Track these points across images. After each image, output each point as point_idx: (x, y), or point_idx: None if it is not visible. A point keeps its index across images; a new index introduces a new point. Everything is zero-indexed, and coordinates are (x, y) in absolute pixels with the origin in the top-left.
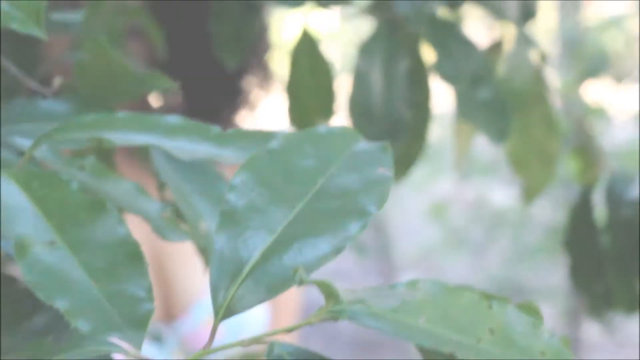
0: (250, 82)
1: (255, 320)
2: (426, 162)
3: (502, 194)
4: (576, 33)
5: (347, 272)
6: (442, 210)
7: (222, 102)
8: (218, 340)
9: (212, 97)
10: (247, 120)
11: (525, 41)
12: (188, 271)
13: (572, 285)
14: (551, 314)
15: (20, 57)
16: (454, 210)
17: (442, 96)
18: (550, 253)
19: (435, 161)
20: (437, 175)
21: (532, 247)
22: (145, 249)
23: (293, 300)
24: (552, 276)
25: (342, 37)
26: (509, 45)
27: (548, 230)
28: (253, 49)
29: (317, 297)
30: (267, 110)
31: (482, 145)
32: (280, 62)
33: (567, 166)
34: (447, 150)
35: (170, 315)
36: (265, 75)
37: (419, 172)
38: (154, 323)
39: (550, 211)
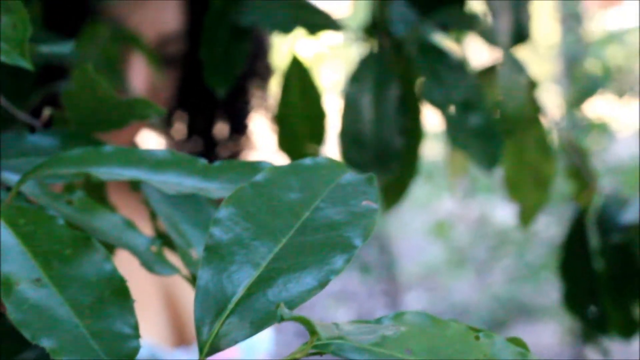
0: (246, 107)
1: (263, 342)
2: (428, 180)
3: (506, 211)
4: (578, 48)
5: (352, 292)
6: (445, 228)
7: (223, 127)
8: (234, 358)
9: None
10: (247, 144)
11: (516, 64)
12: None
13: (566, 309)
14: (556, 331)
15: (10, 89)
16: (458, 229)
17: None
18: (555, 271)
19: (437, 179)
20: (440, 194)
21: (536, 265)
22: (154, 278)
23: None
24: (556, 294)
25: (345, 57)
26: (501, 68)
27: (552, 248)
28: (249, 74)
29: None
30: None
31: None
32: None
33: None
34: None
35: (189, 339)
36: (262, 99)
37: (421, 191)
38: (163, 349)
39: (554, 228)
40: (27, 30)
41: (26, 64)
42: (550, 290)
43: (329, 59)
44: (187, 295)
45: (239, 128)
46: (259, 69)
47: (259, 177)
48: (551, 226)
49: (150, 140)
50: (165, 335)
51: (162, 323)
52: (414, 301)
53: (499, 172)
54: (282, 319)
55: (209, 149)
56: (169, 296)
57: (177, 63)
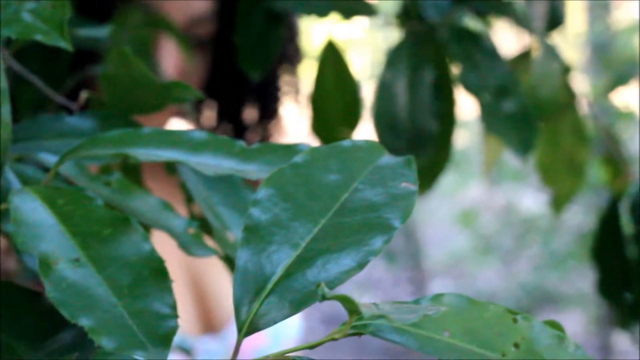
0: (277, 92)
1: (290, 327)
2: (455, 168)
3: (532, 200)
4: (605, 36)
5: (377, 280)
6: (471, 217)
7: (252, 112)
8: (262, 346)
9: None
10: (276, 130)
11: (551, 50)
12: (227, 282)
13: (599, 295)
14: (582, 320)
15: (47, 72)
16: (484, 217)
17: (470, 102)
18: (581, 259)
19: (464, 168)
20: (467, 182)
21: (562, 253)
22: (183, 263)
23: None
24: (582, 282)
25: (372, 42)
26: (536, 54)
27: (578, 236)
28: (280, 59)
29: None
30: (295, 120)
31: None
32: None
33: (598, 171)
34: (477, 156)
35: (217, 326)
36: (292, 84)
37: (448, 179)
38: (190, 337)
39: (580, 217)
40: (67, 11)
41: (66, 45)
42: (576, 278)
43: (357, 44)
44: (213, 281)
45: (268, 113)
46: (289, 53)
47: (298, 158)
48: (577, 214)
49: (179, 127)
50: (192, 322)
51: (188, 309)
52: (440, 289)
53: (527, 160)
54: (323, 298)
55: (238, 135)
56: (195, 282)
57: (207, 46)
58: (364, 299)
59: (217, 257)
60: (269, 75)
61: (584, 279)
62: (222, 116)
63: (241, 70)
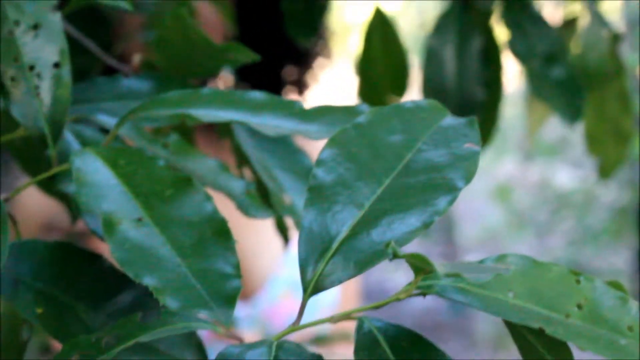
0: (313, 60)
1: (327, 296)
2: (491, 143)
3: (567, 175)
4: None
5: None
6: (506, 192)
7: (282, 79)
8: (293, 316)
9: (277, 73)
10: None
11: (599, 18)
12: (261, 247)
13: None
14: None
15: (96, 36)
16: (518, 192)
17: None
18: (615, 235)
19: (499, 142)
20: (502, 157)
21: (596, 228)
22: None
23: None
24: (616, 258)
25: (406, 17)
26: (583, 22)
27: (613, 212)
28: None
29: (382, 285)
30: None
31: (547, 127)
32: (341, 40)
33: (633, 146)
34: (512, 131)
35: (248, 292)
36: (327, 51)
37: (482, 154)
38: None
39: (615, 192)
40: None
41: (126, 5)
42: (610, 253)
43: (399, 15)
44: (246, 247)
45: (305, 67)
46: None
47: (361, 118)
48: (612, 190)
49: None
50: None
51: None
52: None
53: (564, 133)
54: (394, 257)
55: (275, 90)
56: None
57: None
58: (397, 274)
59: (253, 222)
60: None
61: (617, 254)
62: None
63: (282, 37)
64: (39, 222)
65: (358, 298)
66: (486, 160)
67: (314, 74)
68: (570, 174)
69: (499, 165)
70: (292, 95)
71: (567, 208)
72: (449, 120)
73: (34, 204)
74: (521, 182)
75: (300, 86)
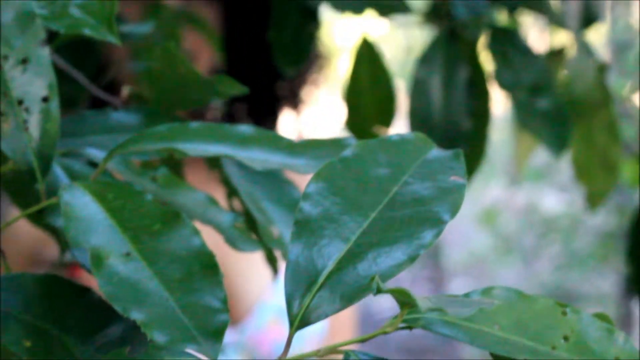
0: (301, 87)
1: (314, 327)
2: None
3: (554, 199)
4: (627, 36)
5: (397, 278)
6: (493, 216)
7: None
8: (280, 343)
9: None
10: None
11: (586, 48)
12: (250, 274)
13: (629, 294)
14: None
15: (85, 65)
16: (505, 217)
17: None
18: (602, 260)
19: (486, 167)
20: (489, 181)
21: (583, 253)
22: None
23: (349, 309)
24: (603, 283)
25: (392, 41)
26: (571, 52)
27: (600, 236)
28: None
29: (368, 308)
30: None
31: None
32: (331, 68)
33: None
34: (498, 155)
35: (235, 318)
36: (315, 80)
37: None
38: None
39: (602, 217)
40: (114, 6)
41: (114, 39)
42: (596, 278)
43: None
44: (237, 274)
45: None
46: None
47: (347, 152)
48: (598, 214)
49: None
50: None
51: None
52: (459, 288)
53: (561, 157)
54: (378, 291)
55: (272, 108)
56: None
57: None
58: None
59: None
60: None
61: (605, 279)
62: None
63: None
64: (28, 254)
65: (351, 324)
66: (473, 184)
67: (308, 89)
68: (557, 198)
69: (486, 190)
70: (287, 111)
71: (554, 232)
72: (435, 153)
73: (23, 235)
74: (508, 207)
75: (296, 102)
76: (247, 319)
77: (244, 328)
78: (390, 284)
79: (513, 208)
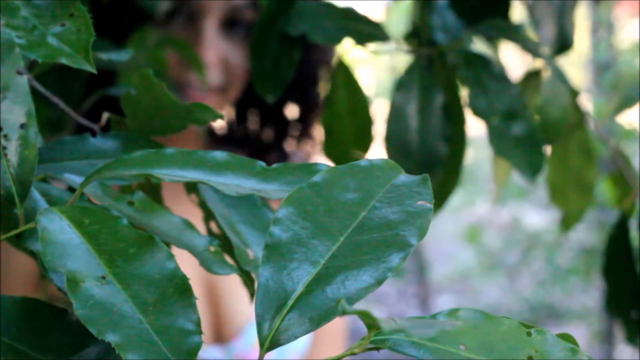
0: (294, 112)
1: (297, 342)
2: (463, 185)
3: (536, 217)
4: (609, 56)
5: (384, 294)
6: (477, 233)
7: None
8: (265, 358)
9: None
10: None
11: (559, 73)
12: (239, 294)
13: (607, 311)
14: (585, 335)
15: (65, 92)
16: (489, 233)
17: (478, 121)
18: (585, 275)
19: (471, 185)
20: (474, 199)
21: (566, 269)
22: (198, 274)
23: (334, 322)
24: (587, 298)
25: (376, 61)
26: (545, 74)
27: (582, 252)
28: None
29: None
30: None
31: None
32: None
33: (601, 188)
34: (483, 173)
35: (224, 338)
36: (310, 106)
37: (455, 196)
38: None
39: (583, 233)
40: (91, 35)
41: (90, 68)
42: (580, 293)
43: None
44: (226, 294)
45: (309, 106)
46: (307, 76)
47: (316, 177)
48: (581, 231)
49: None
50: (204, 331)
51: (202, 319)
52: (445, 305)
53: (535, 182)
54: (343, 313)
55: (279, 131)
56: (209, 293)
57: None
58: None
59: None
60: (310, 73)
61: (588, 294)
62: (238, 134)
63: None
64: (31, 271)
65: (334, 337)
66: (458, 202)
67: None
68: (540, 215)
69: (471, 207)
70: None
71: (538, 249)
72: (403, 178)
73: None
74: (492, 224)
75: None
76: (236, 338)
77: (233, 347)
78: (377, 301)
79: (497, 225)
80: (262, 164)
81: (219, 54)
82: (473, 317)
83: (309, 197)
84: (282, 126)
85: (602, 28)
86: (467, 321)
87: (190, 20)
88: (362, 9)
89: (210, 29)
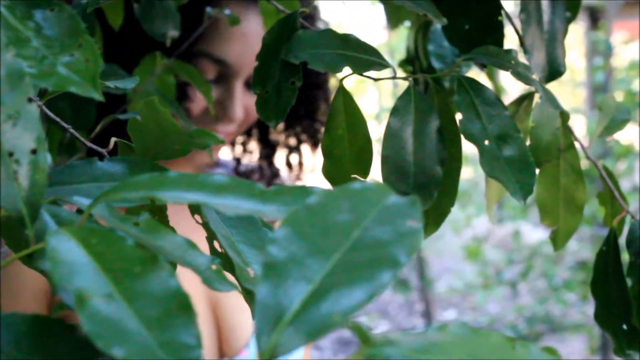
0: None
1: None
2: (465, 201)
3: (534, 234)
4: (603, 79)
5: (390, 308)
6: (479, 249)
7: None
8: None
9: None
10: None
11: (551, 98)
12: (246, 309)
13: (598, 324)
14: (585, 346)
15: (76, 118)
16: (491, 250)
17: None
18: (583, 288)
19: (474, 200)
20: (476, 215)
21: (565, 282)
22: (203, 292)
23: None
24: (588, 309)
25: (380, 87)
26: (537, 99)
27: (579, 266)
28: (301, 106)
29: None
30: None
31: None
32: None
33: (596, 205)
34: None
35: (232, 352)
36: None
37: (460, 213)
38: None
39: (582, 248)
40: (99, 64)
41: (98, 96)
42: (580, 306)
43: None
44: (230, 311)
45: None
46: (313, 101)
47: (311, 200)
48: (578, 246)
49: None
50: (208, 347)
51: (206, 335)
52: (449, 318)
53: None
54: (338, 327)
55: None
56: (214, 310)
57: None
58: (378, 329)
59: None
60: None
61: (586, 307)
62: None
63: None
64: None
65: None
66: (462, 219)
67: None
68: (538, 232)
69: (472, 224)
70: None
71: (538, 263)
72: (394, 199)
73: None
74: (493, 240)
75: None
76: (242, 352)
77: None
78: (381, 315)
79: (498, 241)
80: (260, 186)
81: (242, 107)
82: (461, 331)
83: (305, 218)
84: (270, 147)
85: (599, 50)
86: (455, 335)
87: (224, 79)
88: (362, 35)
89: (239, 88)
